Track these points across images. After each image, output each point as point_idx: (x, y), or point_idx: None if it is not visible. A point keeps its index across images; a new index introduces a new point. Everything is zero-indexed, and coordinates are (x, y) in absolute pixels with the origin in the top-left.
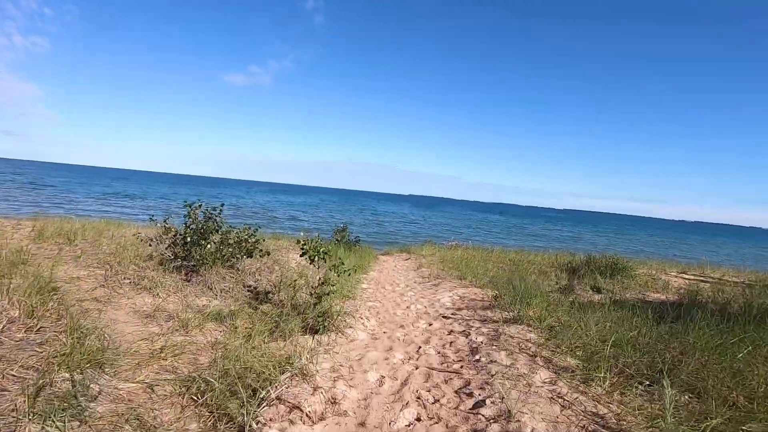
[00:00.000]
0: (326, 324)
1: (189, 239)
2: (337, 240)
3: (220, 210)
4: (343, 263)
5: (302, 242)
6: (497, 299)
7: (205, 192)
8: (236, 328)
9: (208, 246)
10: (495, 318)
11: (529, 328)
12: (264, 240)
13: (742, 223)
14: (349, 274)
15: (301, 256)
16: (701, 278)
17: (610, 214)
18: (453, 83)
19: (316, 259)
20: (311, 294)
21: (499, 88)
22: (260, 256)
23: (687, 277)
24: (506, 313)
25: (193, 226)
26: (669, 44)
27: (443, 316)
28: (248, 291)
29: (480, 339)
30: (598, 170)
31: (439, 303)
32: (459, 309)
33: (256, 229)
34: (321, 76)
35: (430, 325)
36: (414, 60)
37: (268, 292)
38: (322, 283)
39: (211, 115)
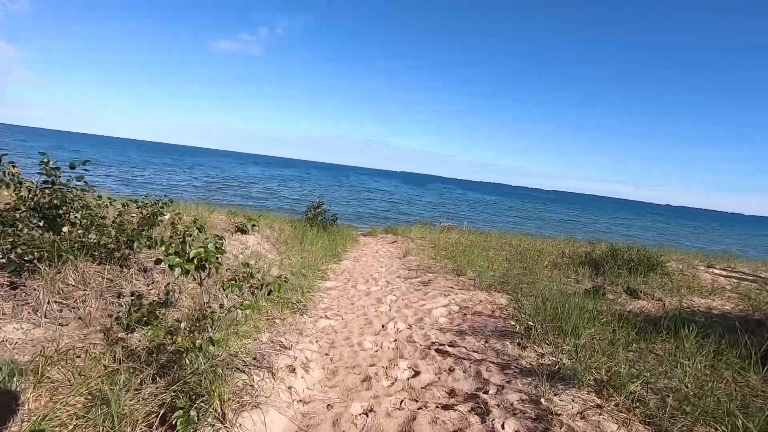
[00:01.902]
0: (192, 414)
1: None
2: (309, 218)
3: (83, 171)
4: (252, 276)
5: (165, 232)
6: (528, 328)
7: (181, 161)
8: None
9: (65, 229)
10: (525, 362)
11: (599, 401)
12: (175, 221)
13: (725, 209)
14: (271, 292)
15: (156, 263)
16: (736, 274)
17: (597, 196)
18: (448, 58)
19: (178, 271)
20: (163, 345)
21: (492, 66)
22: (149, 246)
23: (718, 272)
24: (539, 347)
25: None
26: (663, 28)
27: (438, 349)
28: (123, 304)
29: (511, 429)
30: (585, 152)
31: (430, 318)
32: (461, 333)
33: (164, 204)
34: (314, 45)
35: (416, 373)
36: (410, 34)
37: (166, 304)
38: (198, 320)
39: (199, 83)
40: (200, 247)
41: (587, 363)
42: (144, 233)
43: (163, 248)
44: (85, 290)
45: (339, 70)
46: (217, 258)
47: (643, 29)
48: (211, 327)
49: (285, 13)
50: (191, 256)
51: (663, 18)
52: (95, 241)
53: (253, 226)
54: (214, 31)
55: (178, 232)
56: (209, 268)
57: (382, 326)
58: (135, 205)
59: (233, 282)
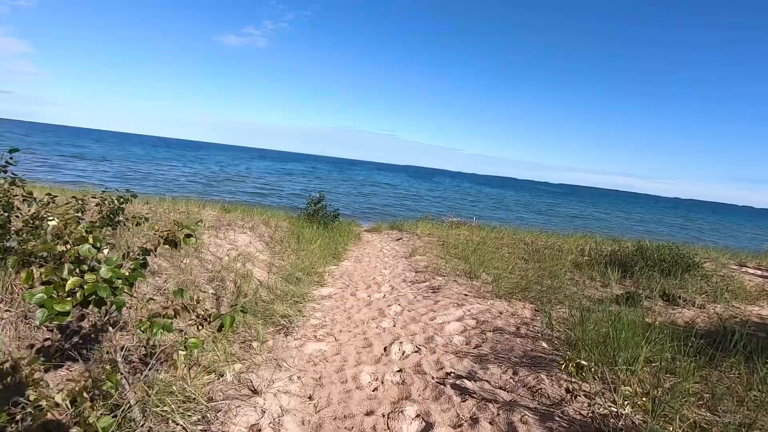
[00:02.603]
0: None
1: None
2: (309, 214)
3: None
4: (188, 309)
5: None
6: (579, 367)
7: (184, 155)
8: None
9: None
10: (572, 410)
11: None
12: (66, 228)
13: (735, 201)
14: (222, 327)
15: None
16: None
17: (605, 189)
18: (458, 51)
19: (42, 316)
20: None
21: (501, 58)
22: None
23: (753, 271)
24: (587, 383)
25: None
26: (671, 14)
27: (455, 385)
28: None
29: None
30: (591, 144)
31: (442, 336)
32: (481, 359)
33: (125, 200)
34: (319, 40)
35: (427, 426)
36: (416, 25)
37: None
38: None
39: (204, 77)
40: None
41: (659, 409)
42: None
43: (24, 275)
44: (7, 311)
45: (345, 64)
46: (129, 286)
47: (651, 19)
48: (130, 384)
49: (290, 5)
50: (68, 287)
51: (672, 7)
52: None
53: (188, 236)
54: (220, 26)
55: (69, 247)
56: (109, 304)
57: (384, 349)
58: (81, 201)
59: (153, 320)
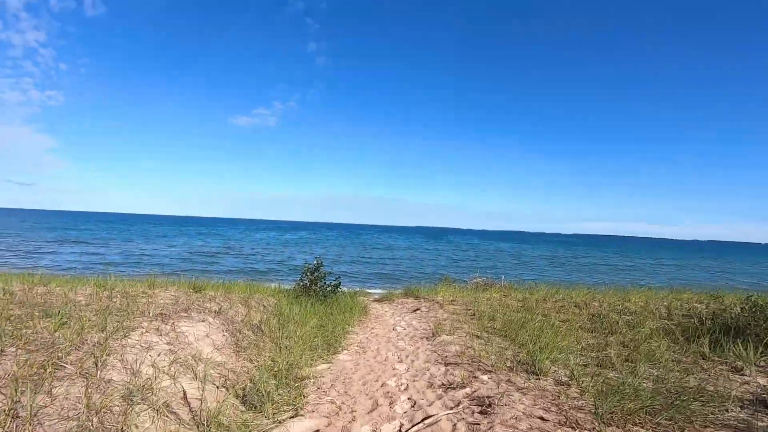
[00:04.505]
0: None
1: None
2: (304, 287)
3: None
4: None
5: None
6: None
7: (188, 231)
8: None
9: None
10: None
11: None
12: None
13: (756, 240)
14: None
15: None
16: None
17: (620, 236)
18: (454, 107)
19: None
20: None
21: (505, 112)
22: None
23: None
24: None
25: None
26: (678, 47)
27: None
28: None
29: None
30: (599, 192)
31: None
32: None
33: None
34: (325, 115)
35: None
36: (413, 93)
37: None
38: None
39: (219, 157)
40: None
41: None
42: None
43: None
44: None
45: (349, 135)
46: None
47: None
48: None
49: (297, 86)
50: None
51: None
52: None
53: None
54: (233, 109)
55: None
56: None
57: None
58: None
59: None
